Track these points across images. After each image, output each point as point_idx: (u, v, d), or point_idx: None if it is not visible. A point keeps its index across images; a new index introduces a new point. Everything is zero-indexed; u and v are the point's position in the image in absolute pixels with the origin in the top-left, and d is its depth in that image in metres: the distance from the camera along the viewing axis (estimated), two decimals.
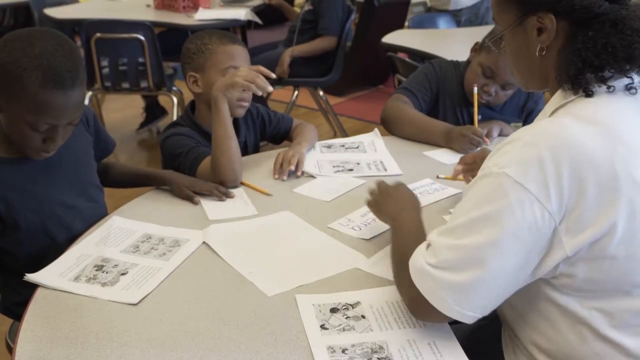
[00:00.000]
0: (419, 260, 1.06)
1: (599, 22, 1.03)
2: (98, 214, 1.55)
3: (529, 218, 0.95)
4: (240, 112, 1.81)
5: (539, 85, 1.15)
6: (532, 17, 1.08)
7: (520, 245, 0.97)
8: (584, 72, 1.02)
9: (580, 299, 1.01)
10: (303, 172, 1.78)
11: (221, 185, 1.65)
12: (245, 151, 1.90)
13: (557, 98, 1.07)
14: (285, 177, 1.75)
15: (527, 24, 1.09)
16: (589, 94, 1.02)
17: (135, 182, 1.75)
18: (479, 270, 0.99)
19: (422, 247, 1.08)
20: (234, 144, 1.69)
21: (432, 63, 2.17)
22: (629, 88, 1.02)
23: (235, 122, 1.84)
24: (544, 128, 1.00)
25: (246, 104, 1.80)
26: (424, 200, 1.55)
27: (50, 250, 1.40)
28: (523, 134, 1.00)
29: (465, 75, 2.06)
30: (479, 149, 1.90)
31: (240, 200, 1.63)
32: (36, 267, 1.29)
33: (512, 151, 0.99)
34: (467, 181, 1.58)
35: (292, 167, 1.75)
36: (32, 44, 1.27)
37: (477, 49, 2.03)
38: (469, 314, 1.02)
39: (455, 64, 2.15)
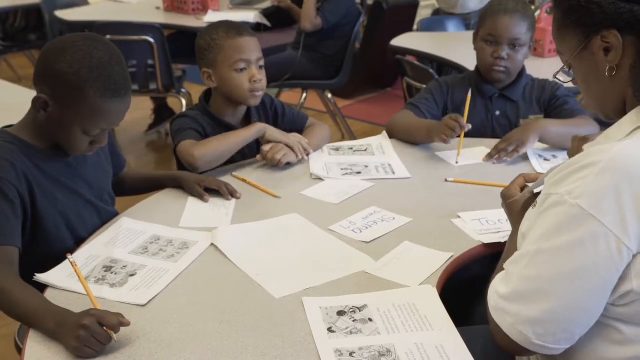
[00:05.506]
0: (493, 296, 1.04)
1: None
2: (111, 215, 1.56)
3: (604, 253, 0.91)
4: (254, 102, 1.85)
5: (616, 107, 1.06)
6: (595, 37, 1.01)
7: (594, 279, 0.93)
8: None
9: (629, 325, 0.98)
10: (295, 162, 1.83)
11: (192, 169, 1.72)
12: (257, 142, 1.89)
13: (636, 115, 1.00)
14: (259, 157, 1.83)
15: (592, 47, 1.02)
16: None
17: (150, 187, 1.76)
18: (551, 303, 0.96)
19: (497, 278, 1.05)
20: (228, 154, 1.78)
21: (437, 80, 2.21)
22: None
23: (248, 112, 1.91)
24: (622, 153, 0.93)
25: (259, 94, 1.84)
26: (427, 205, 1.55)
27: (68, 249, 1.40)
28: (598, 157, 0.94)
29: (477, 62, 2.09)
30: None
31: (222, 209, 1.59)
32: (54, 265, 1.31)
33: (587, 178, 0.93)
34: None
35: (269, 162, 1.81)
36: (90, 54, 1.32)
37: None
38: (554, 347, 0.99)
39: (463, 75, 2.18)
